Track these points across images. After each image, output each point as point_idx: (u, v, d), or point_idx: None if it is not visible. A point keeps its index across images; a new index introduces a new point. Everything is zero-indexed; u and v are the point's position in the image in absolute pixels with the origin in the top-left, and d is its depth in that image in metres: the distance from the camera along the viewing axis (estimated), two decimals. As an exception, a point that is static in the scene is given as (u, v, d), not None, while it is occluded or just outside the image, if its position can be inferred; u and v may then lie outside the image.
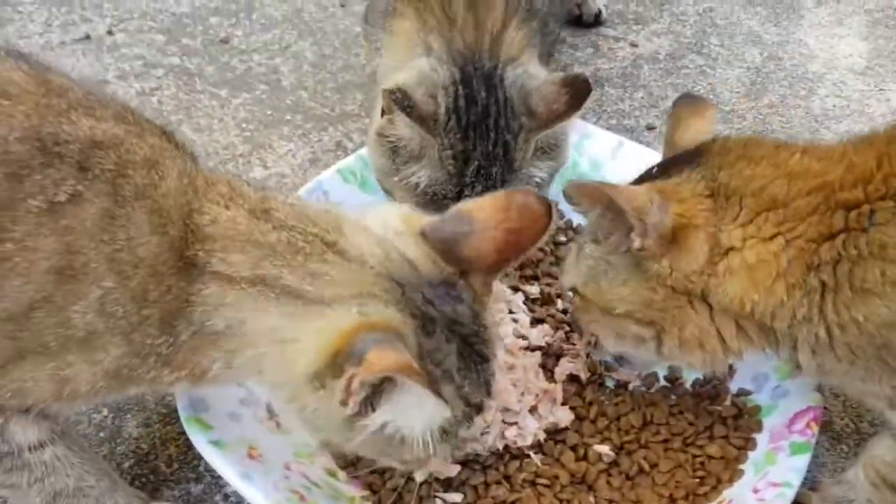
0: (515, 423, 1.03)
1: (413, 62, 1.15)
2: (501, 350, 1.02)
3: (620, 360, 1.06)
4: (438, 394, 0.71)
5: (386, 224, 0.80)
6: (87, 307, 0.74)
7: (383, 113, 1.12)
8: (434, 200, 1.10)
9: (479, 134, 1.09)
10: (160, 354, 0.77)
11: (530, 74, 1.15)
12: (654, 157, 1.12)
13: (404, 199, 1.12)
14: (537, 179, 1.14)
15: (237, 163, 1.49)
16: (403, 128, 1.09)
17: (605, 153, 1.33)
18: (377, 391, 0.71)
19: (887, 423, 0.92)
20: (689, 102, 1.01)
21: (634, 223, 0.84)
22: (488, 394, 0.81)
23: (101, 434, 1.09)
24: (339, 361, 0.70)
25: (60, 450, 0.86)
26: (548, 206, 0.81)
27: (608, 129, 1.53)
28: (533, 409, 1.06)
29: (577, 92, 1.10)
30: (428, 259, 0.78)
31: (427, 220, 0.81)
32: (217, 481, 1.04)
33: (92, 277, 0.74)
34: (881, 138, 0.85)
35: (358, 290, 0.74)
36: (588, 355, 1.11)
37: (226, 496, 1.03)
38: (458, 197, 1.08)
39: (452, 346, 0.77)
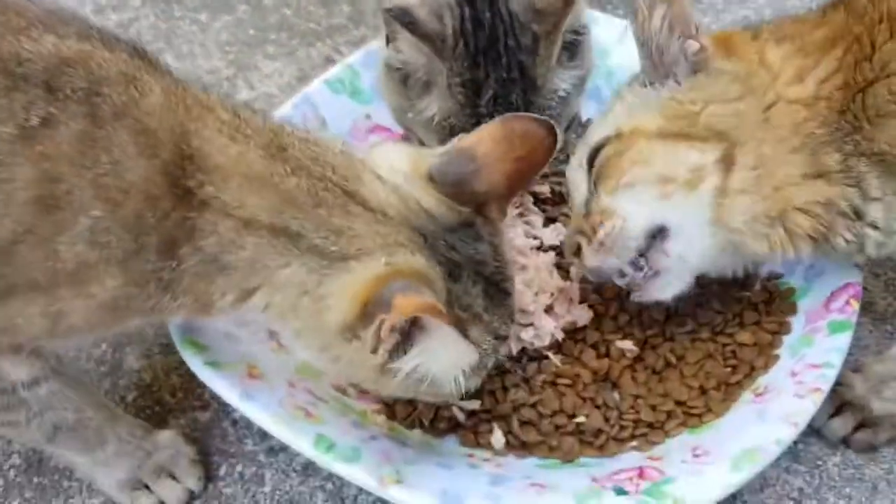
0: (531, 325, 0.97)
1: None
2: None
3: (647, 264, 0.85)
4: (465, 336, 0.71)
5: (394, 168, 0.77)
6: (76, 238, 0.69)
7: (388, 41, 1.02)
8: (453, 134, 0.99)
9: (490, 59, 0.99)
10: (161, 279, 0.72)
11: None
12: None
13: (426, 137, 1.04)
14: (561, 93, 1.04)
15: (222, 86, 1.42)
16: (409, 51, 0.99)
17: (612, 39, 1.24)
18: (407, 336, 0.69)
19: None
20: None
21: (691, 26, 0.83)
22: (512, 322, 0.81)
23: (102, 368, 1.05)
24: (368, 310, 0.69)
25: (56, 385, 0.83)
26: (549, 127, 0.80)
27: (615, 15, 1.45)
28: (549, 309, 0.99)
29: None
30: (443, 205, 0.76)
31: (431, 160, 0.78)
32: (224, 408, 1.00)
33: (77, 206, 0.69)
34: None
35: (384, 242, 0.73)
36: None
37: (234, 422, 0.99)
38: (476, 127, 1.00)
39: (479, 288, 0.76)
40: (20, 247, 0.69)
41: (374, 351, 0.69)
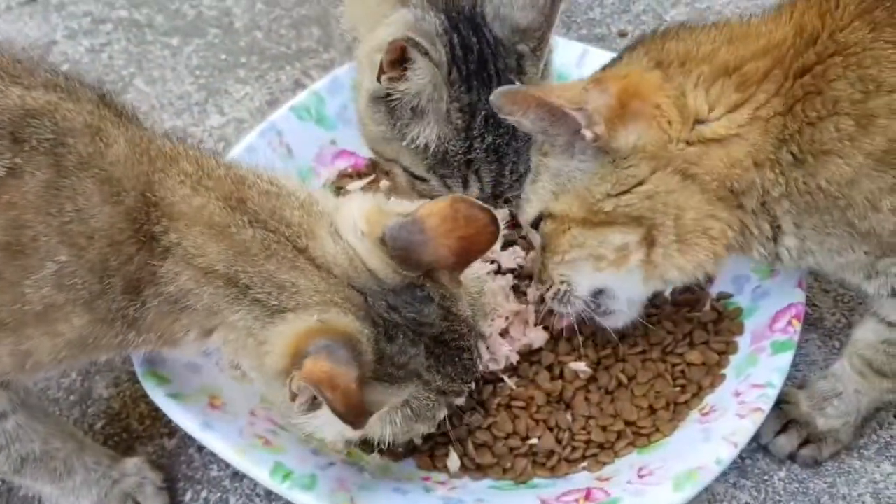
0: (486, 348, 1.00)
1: (392, 15, 1.05)
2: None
3: (598, 306, 0.94)
4: (350, 414, 0.70)
5: (355, 225, 0.80)
6: (42, 281, 0.72)
7: (380, 75, 1.01)
8: (445, 160, 1.03)
9: (481, 82, 1.02)
10: (126, 317, 0.76)
11: (503, 1, 1.05)
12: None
13: (413, 164, 1.05)
14: None
15: (192, 112, 1.44)
16: (418, 79, 0.99)
17: (571, 63, 1.27)
18: (315, 398, 0.73)
19: (867, 299, 0.90)
20: None
21: (576, 115, 0.80)
22: (472, 375, 0.84)
23: (72, 397, 1.07)
24: (293, 362, 0.72)
25: (22, 418, 0.86)
26: (491, 215, 0.81)
27: (579, 39, 1.47)
28: (504, 333, 1.02)
29: None
30: (389, 268, 0.78)
31: (387, 222, 0.80)
32: (190, 435, 1.01)
33: (43, 252, 0.72)
34: None
35: (321, 299, 0.75)
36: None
37: (199, 448, 1.02)
38: (469, 151, 1.02)
39: (419, 348, 0.78)
40: None
41: (292, 400, 0.73)
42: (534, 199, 0.92)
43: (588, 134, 0.81)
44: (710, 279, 1.06)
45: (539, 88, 0.81)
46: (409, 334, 0.77)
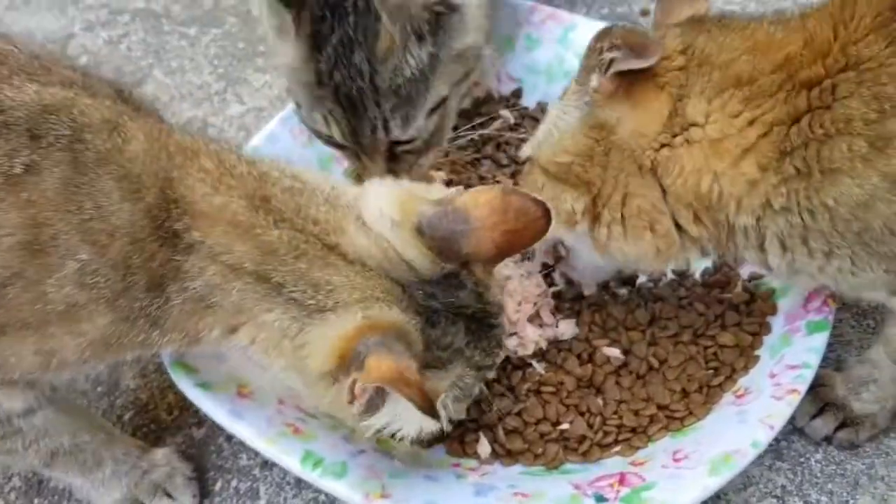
0: (515, 334, 0.99)
1: None
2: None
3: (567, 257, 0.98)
4: (423, 407, 0.69)
5: (383, 213, 0.77)
6: (64, 280, 0.71)
7: None
8: (302, 84, 0.98)
9: (337, 16, 0.94)
10: (149, 316, 0.74)
11: None
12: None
13: (290, 83, 1.01)
14: (409, 72, 0.96)
15: (212, 101, 1.44)
16: None
17: (593, 42, 1.25)
18: (380, 393, 0.70)
19: (893, 315, 0.86)
20: None
21: (598, 60, 0.79)
22: (500, 349, 0.82)
23: (100, 389, 1.07)
24: (346, 363, 0.71)
25: (51, 413, 0.85)
26: (545, 209, 0.78)
27: (601, 18, 1.45)
28: (533, 318, 1.01)
29: None
30: (426, 258, 0.76)
31: (424, 209, 0.77)
32: (219, 424, 1.01)
33: (63, 250, 0.71)
34: (835, 3, 0.76)
35: (361, 295, 0.73)
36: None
37: (228, 438, 1.01)
38: (319, 84, 0.96)
39: (459, 326, 0.77)
40: (10, 289, 0.71)
41: (351, 403, 0.71)
42: (530, 141, 0.92)
43: (594, 80, 0.81)
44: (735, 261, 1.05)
45: (617, 27, 0.79)
46: (450, 315, 0.76)
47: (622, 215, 0.83)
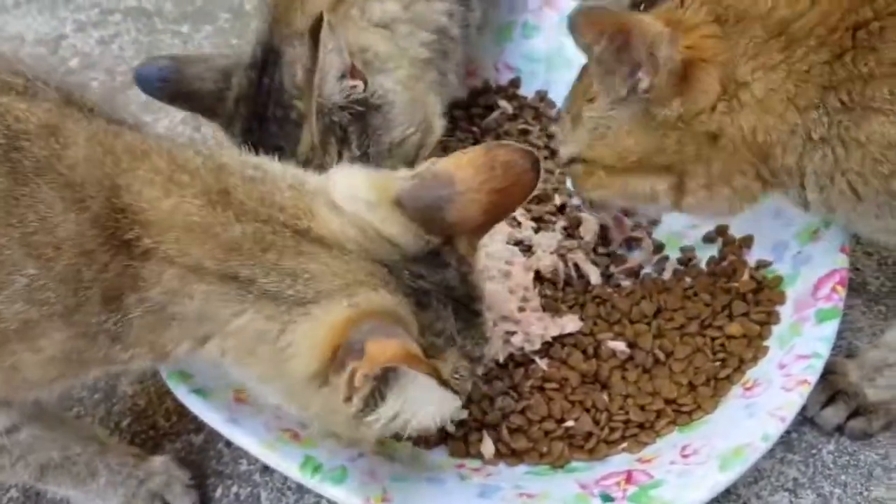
0: (515, 332, 0.97)
1: None
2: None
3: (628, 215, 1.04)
4: (444, 382, 0.66)
5: (355, 196, 0.72)
6: (14, 296, 0.67)
7: None
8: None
9: (263, 128, 0.96)
10: (108, 331, 0.69)
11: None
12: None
13: None
14: None
15: (205, 99, 1.41)
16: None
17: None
18: (382, 382, 0.67)
19: None
20: None
21: (644, 58, 0.76)
22: (486, 341, 0.78)
23: (96, 396, 1.06)
24: (338, 358, 0.66)
25: (37, 428, 0.83)
26: (534, 159, 0.74)
27: (597, 1, 1.42)
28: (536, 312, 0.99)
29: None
30: (409, 233, 0.71)
31: (401, 184, 0.73)
32: (218, 430, 1.00)
33: (10, 266, 0.66)
34: None
35: (342, 281, 0.68)
36: (595, 250, 1.06)
37: (228, 443, 0.99)
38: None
39: (449, 311, 0.73)
40: None
41: (348, 399, 0.66)
42: (570, 144, 0.90)
43: (645, 81, 0.78)
44: (748, 244, 1.03)
45: (629, 14, 0.77)
46: (441, 297, 0.72)
47: (707, 179, 0.83)
